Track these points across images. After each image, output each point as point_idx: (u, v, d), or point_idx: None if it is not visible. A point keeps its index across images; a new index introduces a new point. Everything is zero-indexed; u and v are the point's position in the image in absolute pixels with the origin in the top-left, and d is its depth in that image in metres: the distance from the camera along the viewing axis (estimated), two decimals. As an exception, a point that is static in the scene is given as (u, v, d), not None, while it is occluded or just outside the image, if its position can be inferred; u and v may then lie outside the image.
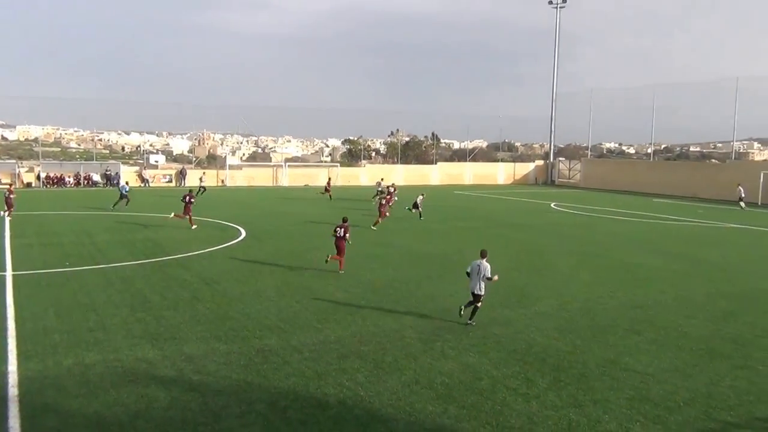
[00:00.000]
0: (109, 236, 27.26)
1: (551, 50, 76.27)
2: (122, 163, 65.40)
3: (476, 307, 14.80)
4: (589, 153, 78.57)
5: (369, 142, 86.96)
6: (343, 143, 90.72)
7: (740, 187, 49.30)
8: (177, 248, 24.20)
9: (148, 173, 62.13)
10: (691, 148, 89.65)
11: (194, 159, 74.45)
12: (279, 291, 17.63)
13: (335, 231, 20.87)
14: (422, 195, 38.15)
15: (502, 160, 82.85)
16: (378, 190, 40.15)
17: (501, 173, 76.79)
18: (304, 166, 72.39)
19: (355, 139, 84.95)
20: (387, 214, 32.76)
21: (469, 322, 14.76)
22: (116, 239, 26.46)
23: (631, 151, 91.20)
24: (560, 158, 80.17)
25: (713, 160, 73.20)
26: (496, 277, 14.81)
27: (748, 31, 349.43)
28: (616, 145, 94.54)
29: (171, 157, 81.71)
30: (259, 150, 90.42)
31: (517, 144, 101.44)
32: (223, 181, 63.86)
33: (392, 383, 11.09)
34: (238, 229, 30.00)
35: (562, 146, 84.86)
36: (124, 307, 15.53)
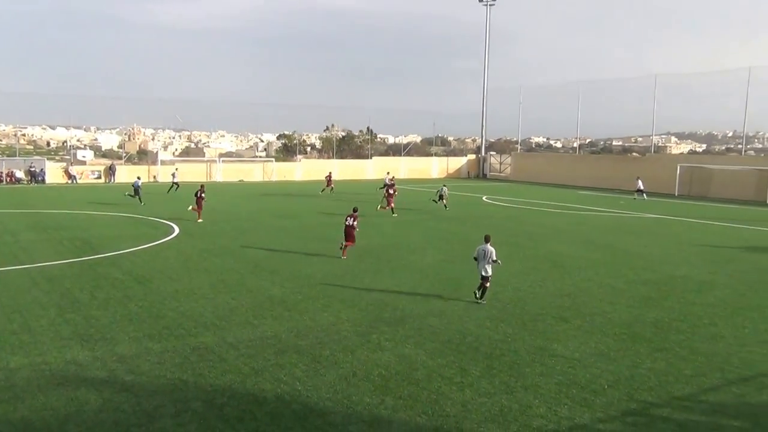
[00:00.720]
0: (35, 235, 26.20)
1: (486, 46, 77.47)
2: (47, 159, 62.86)
3: (485, 288, 16.00)
4: (519, 147, 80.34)
5: (304, 137, 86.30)
6: (278, 138, 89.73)
7: (639, 180, 51.25)
8: (107, 246, 23.47)
9: (75, 169, 59.93)
10: (614, 142, 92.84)
11: (124, 154, 72.22)
12: (214, 288, 17.32)
13: (346, 219, 22.40)
14: (445, 186, 40.47)
15: (436, 155, 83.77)
16: (385, 183, 40.76)
17: (435, 167, 77.60)
18: (238, 161, 71.26)
19: (290, 134, 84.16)
20: (393, 204, 35.84)
21: (480, 301, 15.98)
22: (42, 238, 25.46)
23: (559, 145, 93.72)
24: (491, 152, 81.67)
25: (634, 154, 76.08)
26: (500, 261, 16.07)
27: (671, 30, 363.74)
28: (545, 140, 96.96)
29: (100, 153, 79.04)
30: (193, 145, 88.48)
31: (451, 138, 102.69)
32: (155, 177, 62.23)
33: (330, 377, 11.07)
34: (171, 226, 29.32)
35: (493, 140, 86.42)
36: (52, 308, 14.97)
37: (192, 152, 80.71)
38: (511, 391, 10.61)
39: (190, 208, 32.17)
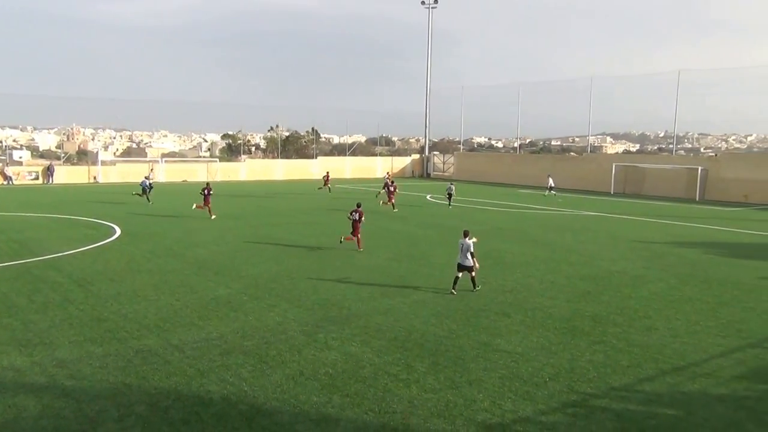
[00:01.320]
0: (-32, 238, 25.05)
1: (432, 47, 78.07)
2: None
3: (473, 277, 17.14)
4: (462, 147, 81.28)
5: (249, 137, 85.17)
6: (222, 138, 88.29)
7: (549, 178, 52.64)
8: (45, 249, 22.65)
9: (11, 170, 57.63)
10: (553, 142, 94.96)
11: (63, 155, 69.81)
12: (157, 289, 16.91)
13: (350, 215, 23.86)
14: (452, 184, 42.47)
15: (380, 155, 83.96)
16: (386, 182, 41.63)
17: (379, 167, 77.73)
18: (181, 161, 69.82)
19: (235, 133, 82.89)
20: (393, 200, 38.58)
21: (474, 289, 17.20)
22: (-24, 241, 24.36)
23: (500, 145, 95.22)
24: (435, 152, 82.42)
25: (572, 153, 77.99)
26: (476, 264, 17.06)
27: (612, 32, 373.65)
28: (486, 140, 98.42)
29: (37, 153, 76.15)
30: (134, 145, 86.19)
31: (395, 139, 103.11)
32: (95, 178, 60.40)
33: (277, 377, 10.94)
34: (112, 227, 28.51)
35: (436, 140, 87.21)
36: (-13, 313, 14.33)
37: (133, 152, 78.63)
38: (456, 386, 10.70)
39: (195, 206, 33.25)
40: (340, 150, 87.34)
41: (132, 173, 61.74)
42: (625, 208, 43.31)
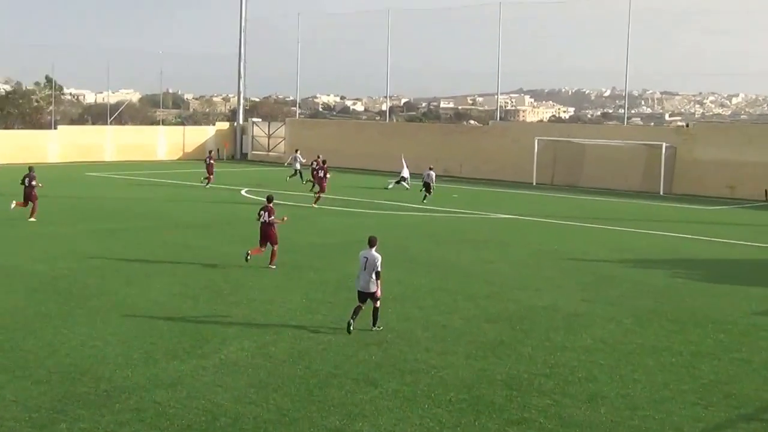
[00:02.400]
0: None
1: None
2: None
3: (376, 308, 18.02)
4: (298, 111, 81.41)
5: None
6: None
7: (296, 154, 55.81)
8: None
9: None
10: (443, 104, 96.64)
11: None
12: None
13: (259, 215, 25.56)
14: (432, 169, 47.40)
15: (165, 123, 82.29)
16: (314, 167, 46.21)
17: (163, 143, 75.90)
18: None
19: None
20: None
21: (374, 328, 17.99)
22: None
23: (359, 107, 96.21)
24: (255, 119, 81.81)
25: (471, 122, 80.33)
26: (379, 286, 18.05)
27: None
28: (338, 99, 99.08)
29: None
30: None
31: (189, 97, 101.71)
32: None
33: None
34: None
35: (257, 100, 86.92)
36: None
37: None
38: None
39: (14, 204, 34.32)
40: (96, 115, 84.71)
41: None
42: (555, 208, 44.81)
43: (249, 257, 25.47)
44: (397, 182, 53.08)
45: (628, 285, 24.80)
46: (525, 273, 26.27)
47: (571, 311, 21.14)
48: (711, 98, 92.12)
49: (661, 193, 54.59)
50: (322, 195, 42.99)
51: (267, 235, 25.43)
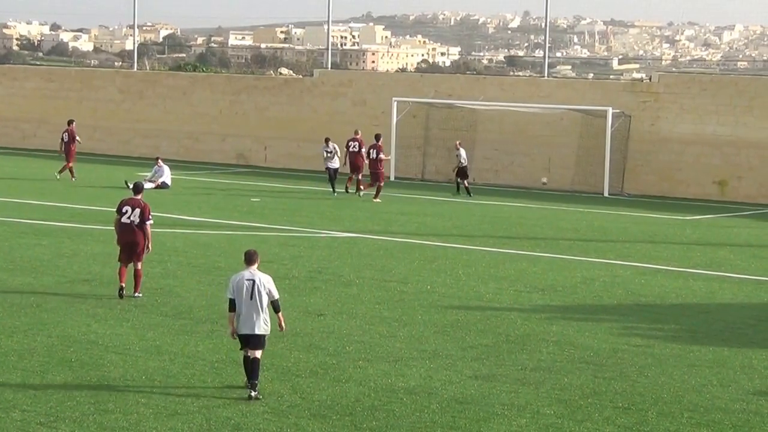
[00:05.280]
0: None
1: None
2: None
3: (256, 359, 15.42)
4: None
5: None
6: None
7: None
8: None
9: None
10: (233, 40, 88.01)
11: None
12: None
13: (120, 212, 21.78)
14: (461, 147, 42.26)
15: None
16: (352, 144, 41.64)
17: None
18: None
19: None
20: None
21: (253, 395, 15.06)
22: None
23: (85, 45, 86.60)
24: None
25: (284, 71, 70.97)
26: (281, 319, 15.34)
27: None
28: (47, 31, 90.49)
29: None
30: None
31: None
32: None
33: None
34: None
35: None
36: None
37: None
38: None
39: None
40: None
41: None
42: (427, 219, 36.65)
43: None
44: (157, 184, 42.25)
45: (551, 350, 18.79)
46: (377, 332, 19.89)
47: (455, 396, 15.76)
48: (688, 32, 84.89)
49: (606, 193, 44.15)
50: (381, 185, 40.25)
51: (132, 245, 21.49)
